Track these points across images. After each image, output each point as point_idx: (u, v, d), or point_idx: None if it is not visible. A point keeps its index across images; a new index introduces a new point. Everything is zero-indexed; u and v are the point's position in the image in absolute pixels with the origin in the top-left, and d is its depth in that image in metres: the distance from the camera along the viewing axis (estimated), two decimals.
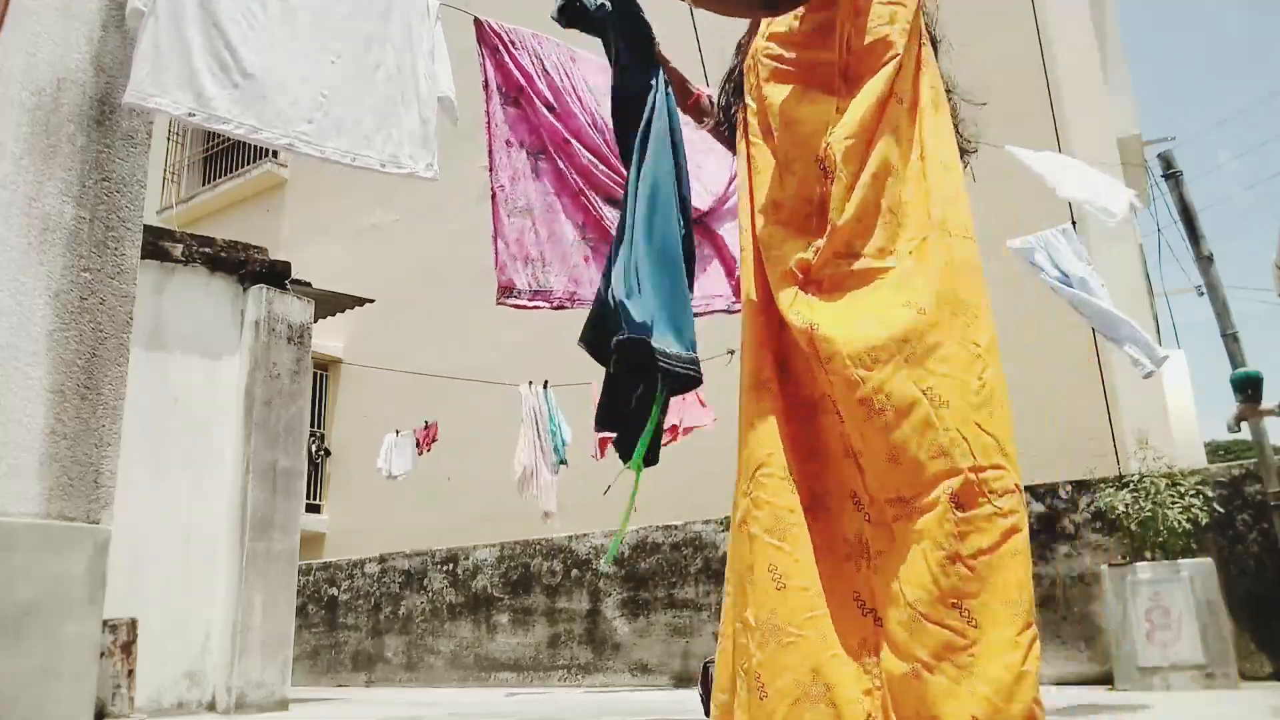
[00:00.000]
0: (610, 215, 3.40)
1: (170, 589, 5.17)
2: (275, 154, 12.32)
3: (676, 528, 7.26)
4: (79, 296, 2.96)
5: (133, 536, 4.75)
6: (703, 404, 6.84)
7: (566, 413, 7.48)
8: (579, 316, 2.29)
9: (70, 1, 3.10)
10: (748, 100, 1.87)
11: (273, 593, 5.52)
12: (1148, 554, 5.10)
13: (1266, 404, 2.92)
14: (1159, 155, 6.22)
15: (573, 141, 3.39)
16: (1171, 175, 5.95)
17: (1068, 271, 4.77)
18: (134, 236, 3.16)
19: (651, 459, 2.05)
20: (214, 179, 13.56)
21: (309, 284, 6.44)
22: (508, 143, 3.33)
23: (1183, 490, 5.14)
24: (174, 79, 2.59)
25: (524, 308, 3.35)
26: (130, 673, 4.16)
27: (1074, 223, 5.14)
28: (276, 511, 5.63)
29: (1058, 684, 5.34)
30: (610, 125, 2.65)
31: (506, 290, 3.29)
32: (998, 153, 4.12)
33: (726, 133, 2.07)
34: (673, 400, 2.15)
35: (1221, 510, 5.22)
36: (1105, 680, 5.22)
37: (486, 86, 3.34)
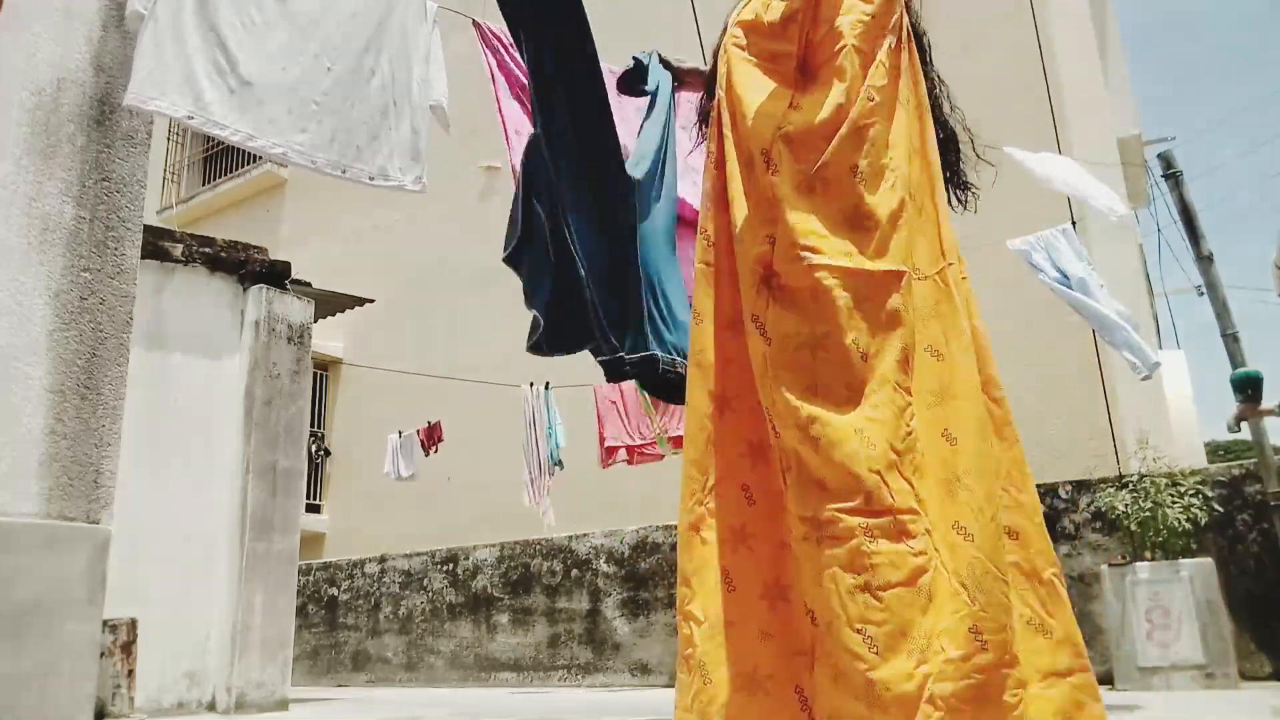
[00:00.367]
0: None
1: (170, 589, 5.16)
2: None
3: (677, 528, 7.24)
4: (79, 296, 2.96)
5: (133, 537, 4.74)
6: None
7: (567, 414, 7.48)
8: None
9: (70, 1, 3.10)
10: (719, 92, 1.87)
11: (273, 593, 5.51)
12: (1148, 554, 5.10)
13: (1266, 404, 2.91)
14: (1159, 155, 6.22)
15: None
16: (1171, 175, 5.95)
17: (1067, 272, 4.76)
18: (134, 236, 3.16)
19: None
20: (214, 179, 13.55)
21: (309, 284, 6.44)
22: (517, 131, 3.44)
23: (1183, 490, 5.14)
24: (173, 82, 2.60)
25: None
26: (130, 673, 4.16)
27: (1074, 223, 5.14)
28: (276, 511, 5.63)
29: None
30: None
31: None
32: (997, 153, 4.12)
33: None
34: (668, 407, 2.26)
35: (1221, 510, 5.22)
36: (1105, 680, 5.21)
37: (494, 80, 3.50)
